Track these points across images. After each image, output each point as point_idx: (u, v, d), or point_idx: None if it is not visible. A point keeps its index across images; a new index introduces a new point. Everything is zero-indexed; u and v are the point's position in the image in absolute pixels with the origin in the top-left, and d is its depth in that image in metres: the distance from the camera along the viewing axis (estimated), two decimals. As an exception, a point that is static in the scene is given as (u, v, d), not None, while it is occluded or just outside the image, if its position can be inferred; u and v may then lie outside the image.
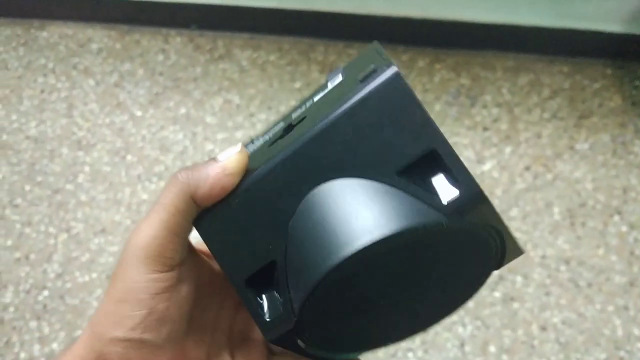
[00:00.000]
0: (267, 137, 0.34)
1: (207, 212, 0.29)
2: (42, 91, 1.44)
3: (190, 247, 0.30)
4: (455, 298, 0.30)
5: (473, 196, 0.27)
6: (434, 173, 0.27)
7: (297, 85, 1.39)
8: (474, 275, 0.29)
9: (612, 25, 1.30)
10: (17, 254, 1.24)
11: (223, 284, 0.32)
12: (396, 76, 0.26)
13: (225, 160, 0.28)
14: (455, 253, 0.28)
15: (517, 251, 0.31)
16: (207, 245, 0.30)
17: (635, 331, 1.11)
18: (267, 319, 0.29)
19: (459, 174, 0.27)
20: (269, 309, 0.29)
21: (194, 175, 0.28)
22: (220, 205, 0.29)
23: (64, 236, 1.25)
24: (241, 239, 0.29)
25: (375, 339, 0.30)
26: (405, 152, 0.27)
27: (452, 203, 0.27)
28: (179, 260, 0.28)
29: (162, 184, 1.29)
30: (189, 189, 0.28)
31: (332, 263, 0.25)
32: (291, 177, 0.27)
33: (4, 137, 1.38)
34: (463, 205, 0.27)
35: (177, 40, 1.48)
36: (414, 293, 0.28)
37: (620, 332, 1.11)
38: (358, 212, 0.26)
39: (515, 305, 1.14)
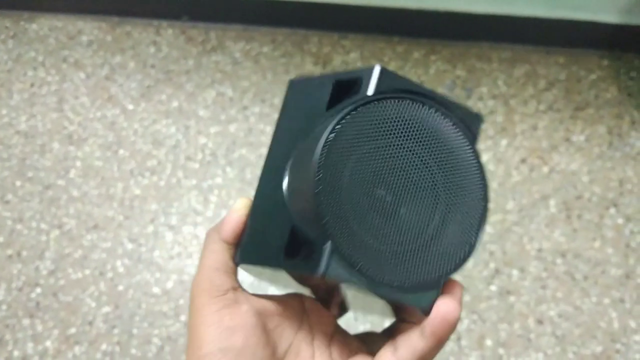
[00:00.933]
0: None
1: (238, 246, 0.37)
2: (32, 85, 1.41)
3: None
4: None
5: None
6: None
7: (291, 77, 1.37)
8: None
9: (609, 16, 1.29)
10: (9, 251, 1.22)
11: (292, 312, 0.38)
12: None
13: (232, 207, 0.37)
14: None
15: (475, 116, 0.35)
16: (246, 270, 0.38)
17: (631, 323, 1.11)
18: (317, 264, 0.32)
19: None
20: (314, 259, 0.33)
21: (218, 224, 0.37)
22: (243, 235, 0.37)
23: (56, 232, 1.23)
24: (262, 237, 0.35)
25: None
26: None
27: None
28: (229, 286, 0.35)
29: (154, 178, 1.28)
30: (216, 233, 0.37)
31: (315, 162, 0.31)
32: (274, 180, 0.36)
33: (-6, 131, 1.36)
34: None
35: (168, 32, 1.46)
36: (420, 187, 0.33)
37: (616, 325, 1.11)
38: (314, 140, 0.32)
39: (512, 298, 1.14)
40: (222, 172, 1.27)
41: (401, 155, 0.32)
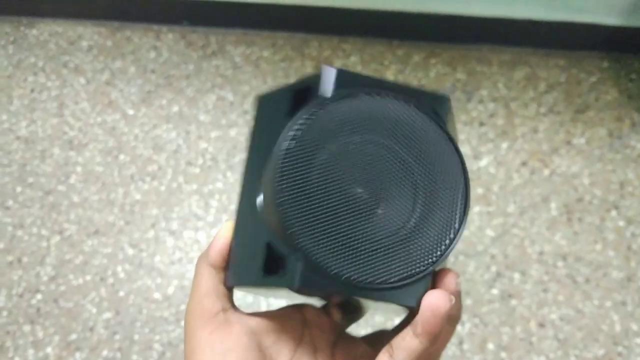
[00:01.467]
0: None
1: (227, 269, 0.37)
2: (32, 90, 1.41)
3: (235, 306, 0.38)
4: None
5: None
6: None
7: (292, 81, 1.37)
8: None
9: (608, 18, 1.29)
10: (10, 257, 1.22)
11: (291, 326, 0.38)
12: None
13: (217, 234, 0.37)
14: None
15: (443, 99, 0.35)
16: (242, 291, 0.38)
17: (633, 326, 1.11)
18: (292, 278, 0.31)
19: None
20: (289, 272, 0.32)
21: (203, 254, 0.37)
22: (230, 258, 0.37)
23: (56, 238, 1.23)
24: (245, 258, 0.35)
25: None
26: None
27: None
28: (219, 309, 0.35)
29: (155, 183, 1.28)
30: (205, 258, 0.37)
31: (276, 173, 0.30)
32: (251, 198, 0.35)
33: (-6, 137, 1.36)
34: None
35: (169, 36, 1.46)
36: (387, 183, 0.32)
37: (618, 328, 1.11)
38: (275, 152, 0.32)
39: (513, 302, 1.14)
40: (222, 176, 1.27)
41: (369, 150, 0.31)
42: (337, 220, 0.31)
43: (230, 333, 0.34)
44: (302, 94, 0.33)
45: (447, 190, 0.32)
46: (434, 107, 0.33)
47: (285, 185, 0.30)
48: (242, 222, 0.36)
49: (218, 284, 0.36)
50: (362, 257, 0.31)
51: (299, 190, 0.30)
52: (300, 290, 0.31)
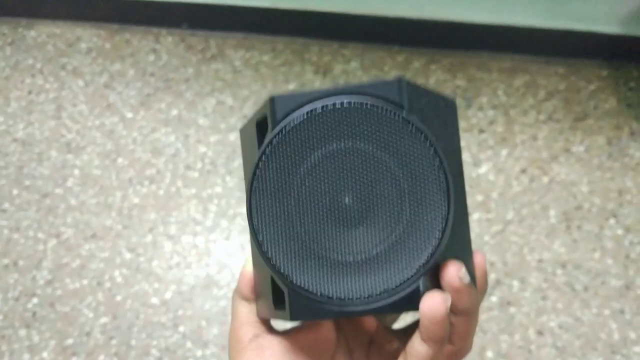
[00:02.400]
0: None
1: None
2: (30, 92, 1.40)
3: (271, 329, 0.39)
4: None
5: None
6: None
7: (291, 86, 1.37)
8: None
9: (608, 27, 1.30)
10: (5, 261, 1.21)
11: (325, 336, 0.38)
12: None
13: (243, 267, 0.38)
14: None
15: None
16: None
17: (632, 335, 1.11)
18: (288, 311, 0.31)
19: None
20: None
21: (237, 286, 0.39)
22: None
23: (53, 242, 1.22)
24: (262, 290, 0.35)
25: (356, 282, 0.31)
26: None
27: None
28: (250, 336, 0.36)
29: (153, 187, 1.27)
30: (236, 293, 0.38)
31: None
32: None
33: (-9, 139, 1.35)
34: None
35: (168, 39, 1.45)
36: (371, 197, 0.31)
37: (616, 336, 1.11)
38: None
39: (512, 309, 1.13)
40: (221, 181, 1.27)
41: (340, 160, 0.30)
42: (315, 242, 0.30)
43: (262, 358, 0.35)
44: (263, 124, 0.32)
45: (432, 191, 0.30)
46: (388, 98, 0.31)
47: (258, 220, 0.30)
48: (255, 256, 0.36)
49: (249, 313, 0.37)
50: (347, 274, 0.30)
51: (273, 223, 0.30)
52: (300, 321, 0.30)
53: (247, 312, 0.37)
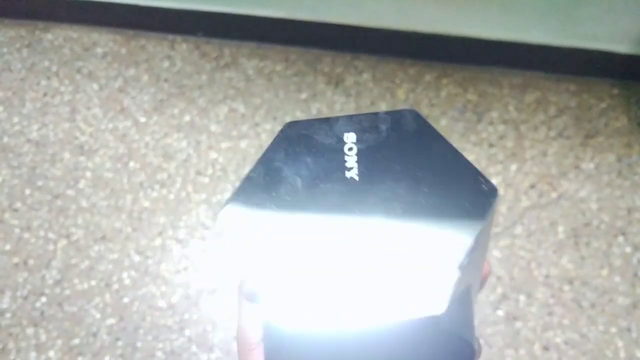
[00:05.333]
0: None
1: None
2: (45, 94, 1.42)
3: None
4: None
5: None
6: None
7: (303, 96, 1.38)
8: None
9: (620, 46, 1.31)
10: (16, 259, 1.22)
11: None
12: None
13: None
14: None
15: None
16: None
17: (638, 353, 1.11)
18: None
19: None
20: None
21: (241, 282, 0.36)
22: None
23: (63, 242, 1.23)
24: None
25: None
26: None
27: None
28: (260, 338, 0.35)
29: (164, 191, 1.28)
30: (241, 292, 0.35)
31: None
32: None
33: (5, 139, 1.37)
34: None
35: (183, 47, 1.47)
36: None
37: (622, 354, 1.11)
38: None
39: (518, 324, 1.13)
40: (231, 187, 1.28)
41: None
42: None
43: None
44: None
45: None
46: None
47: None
48: None
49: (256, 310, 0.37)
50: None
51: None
52: None
53: (253, 311, 0.37)
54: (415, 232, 0.26)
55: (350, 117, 0.31)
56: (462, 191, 0.28)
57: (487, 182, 0.28)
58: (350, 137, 0.30)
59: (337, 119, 0.31)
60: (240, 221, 0.27)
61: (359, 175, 0.28)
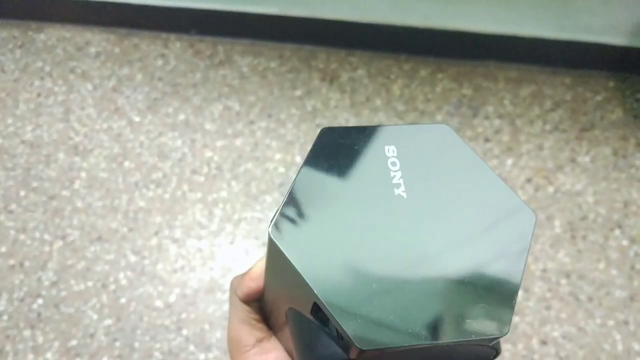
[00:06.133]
0: None
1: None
2: (39, 95, 1.42)
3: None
4: None
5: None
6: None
7: (298, 92, 1.38)
8: None
9: (615, 38, 1.30)
10: (11, 261, 1.22)
11: None
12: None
13: (251, 268, 0.35)
14: None
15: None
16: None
17: (635, 346, 1.11)
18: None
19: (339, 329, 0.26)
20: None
21: (236, 281, 0.36)
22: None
23: (59, 243, 1.23)
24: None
25: None
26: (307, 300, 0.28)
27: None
28: (254, 341, 0.36)
29: (159, 191, 1.27)
30: (235, 293, 0.36)
31: None
32: None
33: (-1, 140, 1.36)
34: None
35: (176, 45, 1.46)
36: None
37: (620, 347, 1.11)
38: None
39: (516, 319, 1.13)
40: (227, 185, 1.27)
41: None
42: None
43: None
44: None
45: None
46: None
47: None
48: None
49: (250, 313, 0.36)
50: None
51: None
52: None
53: (248, 313, 0.36)
54: (470, 256, 0.27)
55: (388, 129, 0.31)
56: (505, 218, 0.28)
57: (526, 207, 0.29)
58: (391, 151, 0.30)
59: (374, 129, 0.30)
60: (291, 236, 0.27)
61: (406, 192, 0.28)
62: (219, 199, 1.26)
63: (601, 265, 1.18)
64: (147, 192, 1.27)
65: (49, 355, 1.13)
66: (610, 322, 1.13)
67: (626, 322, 1.13)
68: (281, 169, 1.28)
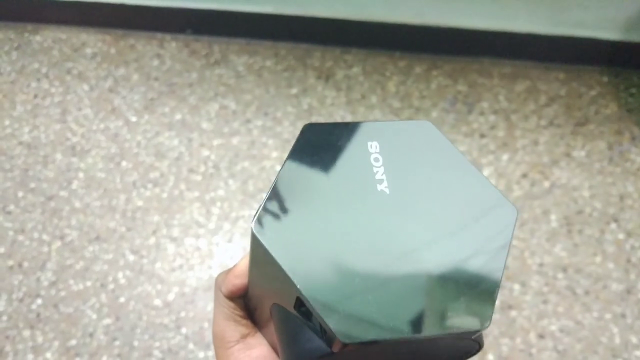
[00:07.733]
0: None
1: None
2: (36, 96, 1.42)
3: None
4: None
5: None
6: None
7: (294, 91, 1.38)
8: None
9: (609, 33, 1.31)
10: (10, 262, 1.22)
11: None
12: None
13: (236, 265, 0.35)
14: None
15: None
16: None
17: (633, 339, 1.11)
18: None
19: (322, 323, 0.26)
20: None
21: (221, 278, 0.36)
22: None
23: (57, 244, 1.23)
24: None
25: None
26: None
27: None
28: (238, 337, 0.36)
29: (157, 190, 1.28)
30: (220, 289, 0.36)
31: None
32: None
33: (-3, 142, 1.37)
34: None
35: (172, 45, 1.47)
36: None
37: (617, 340, 1.11)
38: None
39: (513, 313, 1.14)
40: (224, 184, 1.28)
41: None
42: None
43: (250, 357, 0.35)
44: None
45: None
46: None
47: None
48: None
49: (234, 309, 0.36)
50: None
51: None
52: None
53: (232, 309, 0.36)
54: (452, 252, 0.27)
55: (370, 125, 0.31)
56: (486, 213, 0.29)
57: (507, 203, 0.29)
58: (374, 147, 0.30)
59: (357, 125, 0.31)
60: (274, 231, 0.27)
61: (389, 188, 0.29)
62: (216, 198, 1.26)
63: (598, 259, 1.18)
64: (144, 191, 1.28)
65: (48, 355, 1.13)
66: (608, 315, 1.13)
67: (623, 315, 1.13)
68: (278, 167, 1.29)
